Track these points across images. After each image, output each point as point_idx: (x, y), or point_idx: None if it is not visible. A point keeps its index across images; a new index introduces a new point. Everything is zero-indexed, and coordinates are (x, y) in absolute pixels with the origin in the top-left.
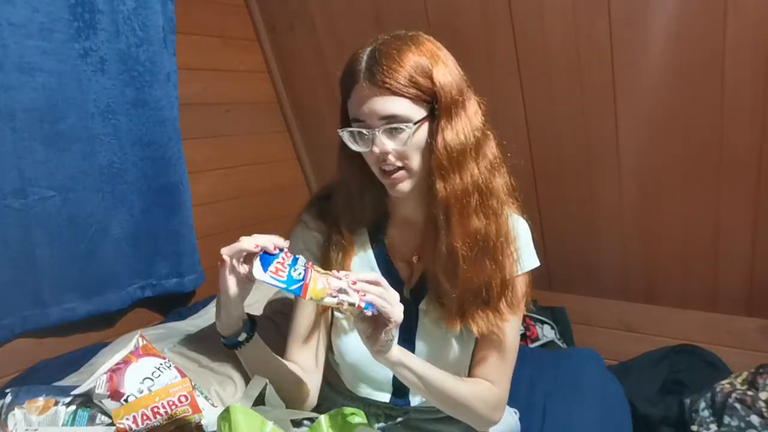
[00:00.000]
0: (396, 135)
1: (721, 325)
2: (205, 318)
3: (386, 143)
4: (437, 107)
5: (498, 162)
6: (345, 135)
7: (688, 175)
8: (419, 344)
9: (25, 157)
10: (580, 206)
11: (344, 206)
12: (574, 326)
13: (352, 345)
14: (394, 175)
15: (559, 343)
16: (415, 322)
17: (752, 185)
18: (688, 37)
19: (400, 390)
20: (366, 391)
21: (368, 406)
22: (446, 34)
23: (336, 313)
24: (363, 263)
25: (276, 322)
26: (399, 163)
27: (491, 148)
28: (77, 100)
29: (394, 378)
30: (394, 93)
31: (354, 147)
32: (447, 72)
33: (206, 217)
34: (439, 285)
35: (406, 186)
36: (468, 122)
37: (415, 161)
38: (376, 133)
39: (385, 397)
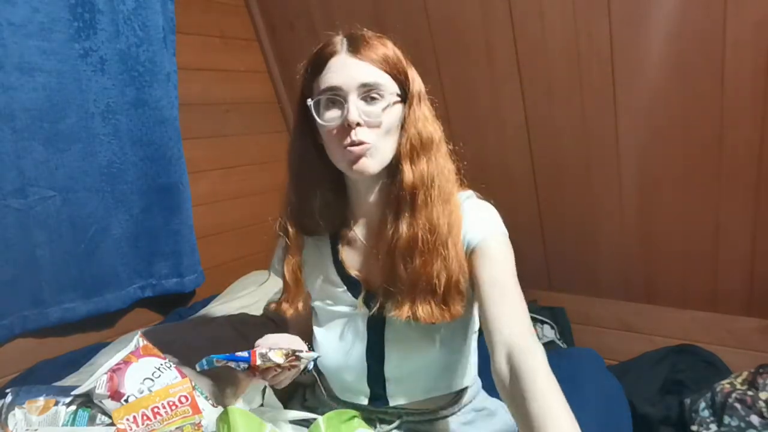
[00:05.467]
0: (373, 103)
1: (721, 325)
2: (204, 318)
3: (361, 108)
4: (409, 93)
5: (449, 161)
6: (313, 103)
7: (688, 175)
8: (389, 345)
9: (25, 157)
10: (580, 206)
11: (293, 213)
12: (574, 326)
13: (325, 352)
14: (361, 147)
15: (559, 343)
16: (383, 324)
17: (752, 185)
18: (688, 36)
19: (377, 395)
20: (347, 396)
21: (361, 411)
22: (446, 34)
23: (314, 325)
24: (323, 270)
25: (276, 322)
26: (368, 138)
27: (445, 150)
28: (77, 100)
29: (369, 382)
30: (376, 65)
31: (321, 120)
32: (413, 69)
33: (206, 217)
34: (393, 272)
35: (371, 163)
36: (431, 117)
37: (386, 140)
38: (352, 99)
39: (364, 401)
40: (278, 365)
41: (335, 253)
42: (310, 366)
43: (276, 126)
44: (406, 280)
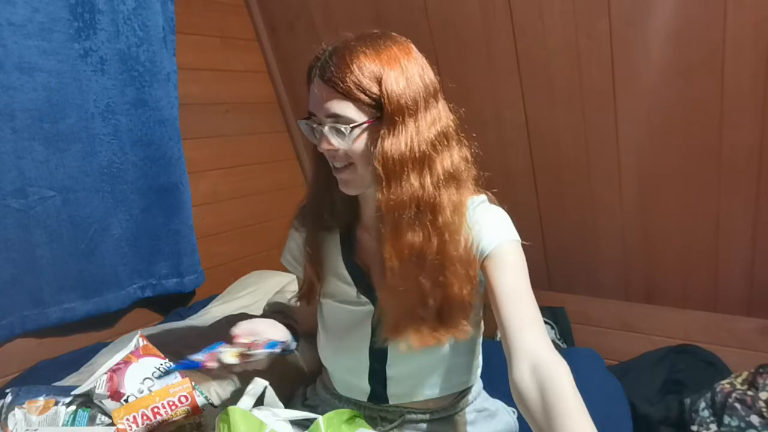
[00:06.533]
0: (339, 134)
1: (721, 325)
2: (205, 318)
3: (331, 140)
4: (383, 117)
5: (452, 177)
6: (302, 126)
7: (688, 175)
8: (392, 345)
9: (25, 157)
10: (580, 206)
11: (314, 205)
12: (574, 326)
13: (328, 348)
14: (343, 173)
15: (559, 343)
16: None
17: (752, 185)
18: (688, 36)
19: (376, 392)
20: (349, 393)
21: (362, 408)
22: (446, 34)
23: (318, 320)
24: (332, 266)
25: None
26: (347, 162)
27: (446, 164)
28: (77, 100)
29: (370, 380)
30: (340, 94)
31: (310, 138)
32: (402, 79)
33: (206, 217)
34: (382, 294)
35: (350, 185)
36: (415, 134)
37: (361, 165)
38: (323, 129)
39: (364, 398)
40: (233, 364)
41: (344, 249)
42: (293, 347)
43: (276, 126)
44: (403, 303)
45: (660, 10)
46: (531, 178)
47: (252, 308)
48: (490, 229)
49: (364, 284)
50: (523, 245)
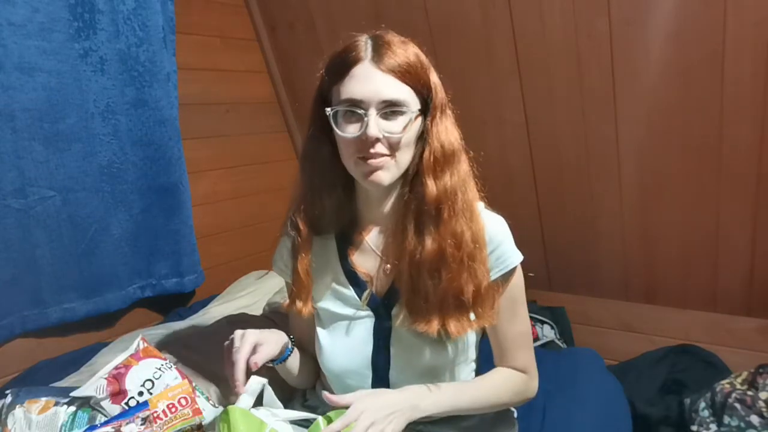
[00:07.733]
0: (393, 119)
1: (721, 325)
2: (204, 318)
3: (382, 125)
4: (431, 104)
5: (469, 171)
6: (332, 115)
7: (688, 175)
8: (394, 350)
9: (25, 157)
10: (580, 206)
11: (305, 211)
12: (574, 326)
13: (329, 356)
14: (378, 161)
15: (559, 343)
16: (389, 329)
17: (752, 185)
18: (688, 36)
19: None
20: None
21: None
22: (446, 34)
23: (317, 327)
24: (330, 272)
25: (275, 322)
26: (386, 152)
27: (465, 158)
28: (77, 100)
29: (373, 387)
30: (400, 79)
31: (339, 130)
32: (435, 72)
33: (206, 217)
34: (418, 287)
35: (386, 176)
36: (452, 124)
37: (402, 154)
38: (373, 115)
39: None
40: None
41: (343, 254)
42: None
43: (276, 126)
44: (434, 295)
45: (660, 10)
46: (531, 178)
47: (252, 308)
48: (498, 251)
49: (366, 288)
50: (523, 245)
